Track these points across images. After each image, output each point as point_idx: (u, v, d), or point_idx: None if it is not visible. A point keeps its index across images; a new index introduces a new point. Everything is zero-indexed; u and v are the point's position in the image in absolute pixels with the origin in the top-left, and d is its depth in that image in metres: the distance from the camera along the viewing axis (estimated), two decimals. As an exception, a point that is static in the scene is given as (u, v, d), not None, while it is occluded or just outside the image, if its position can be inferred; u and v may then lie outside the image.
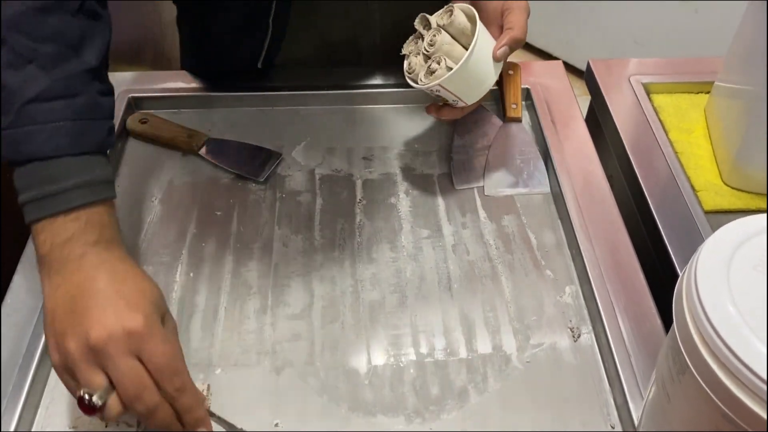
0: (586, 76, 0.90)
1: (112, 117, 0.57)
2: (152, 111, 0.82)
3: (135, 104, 0.83)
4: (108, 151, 0.57)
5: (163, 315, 0.52)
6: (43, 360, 0.59)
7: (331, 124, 0.83)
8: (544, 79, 0.87)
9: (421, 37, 0.69)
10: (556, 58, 2.25)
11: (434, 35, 0.67)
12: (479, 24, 0.66)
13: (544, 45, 2.26)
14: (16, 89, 0.51)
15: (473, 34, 0.66)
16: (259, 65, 0.84)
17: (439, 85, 0.66)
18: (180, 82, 0.85)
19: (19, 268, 0.66)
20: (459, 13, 0.67)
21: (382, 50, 0.88)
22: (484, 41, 0.67)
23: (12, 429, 0.55)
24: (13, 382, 0.57)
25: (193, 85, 0.85)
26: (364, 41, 0.87)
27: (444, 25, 0.67)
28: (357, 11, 0.84)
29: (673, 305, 0.44)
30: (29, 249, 0.67)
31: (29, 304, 0.62)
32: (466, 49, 0.66)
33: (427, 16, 0.69)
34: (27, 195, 0.51)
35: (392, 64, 0.89)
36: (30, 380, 0.57)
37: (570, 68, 2.22)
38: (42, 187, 0.51)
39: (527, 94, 0.85)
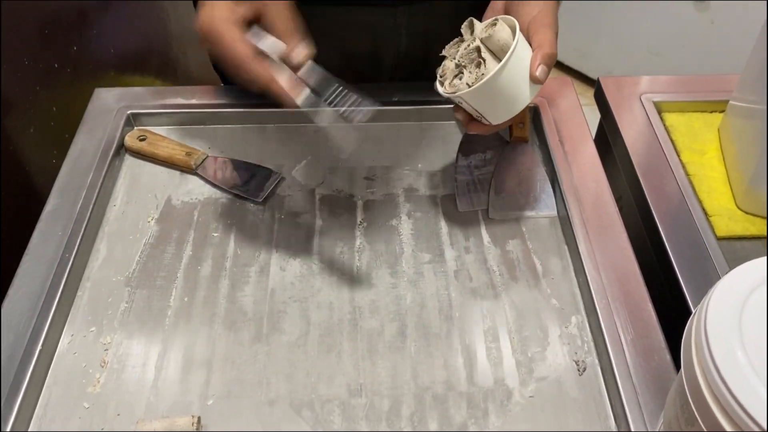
0: (595, 93, 0.88)
1: None
2: (151, 128, 0.81)
3: (133, 120, 0.81)
4: None
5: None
6: (41, 359, 0.59)
7: (333, 143, 0.81)
8: (552, 96, 0.84)
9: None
10: (569, 68, 2.25)
11: (469, 44, 0.63)
12: (516, 39, 0.59)
13: (558, 54, 2.22)
14: None
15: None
16: None
17: (459, 97, 0.61)
18: (179, 98, 0.84)
19: (20, 269, 0.65)
20: (501, 29, 0.61)
21: (406, 64, 0.86)
22: (520, 59, 0.60)
23: (8, 429, 0.54)
24: (10, 382, 0.57)
25: (193, 101, 0.83)
26: (388, 54, 0.85)
27: (483, 38, 0.62)
28: (383, 23, 0.81)
29: (682, 351, 0.41)
30: (30, 249, 0.67)
31: (29, 305, 0.62)
32: None
33: (475, 21, 0.64)
34: None
35: (412, 78, 0.87)
36: (27, 380, 0.57)
37: (584, 78, 2.22)
38: None
39: (535, 113, 0.83)
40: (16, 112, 0.93)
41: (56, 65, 1.02)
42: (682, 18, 1.83)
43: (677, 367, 0.57)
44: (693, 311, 0.60)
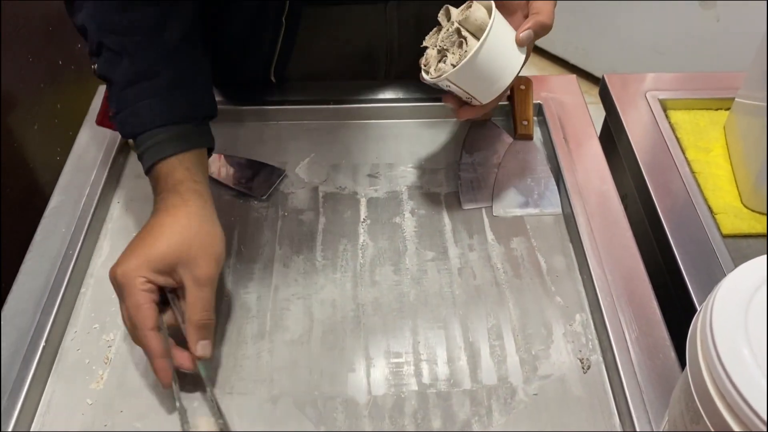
0: (600, 91, 0.88)
1: (205, 84, 0.66)
2: (155, 125, 0.81)
3: (137, 118, 0.81)
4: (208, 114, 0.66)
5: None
6: (45, 356, 0.59)
7: (337, 140, 0.81)
8: (557, 94, 0.84)
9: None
10: (573, 66, 2.24)
11: (447, 29, 0.63)
12: (494, 16, 0.60)
13: (562, 52, 2.22)
14: (115, 81, 0.62)
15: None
16: (272, 78, 0.82)
17: (447, 80, 0.61)
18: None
19: (24, 266, 0.66)
20: (476, 9, 0.61)
21: (400, 63, 0.86)
22: (500, 34, 0.61)
23: (10, 429, 0.55)
24: (14, 378, 0.57)
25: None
26: (381, 52, 0.85)
27: (460, 21, 0.62)
28: (374, 21, 0.81)
29: (687, 348, 0.41)
30: (33, 246, 0.67)
31: (33, 301, 0.62)
32: None
33: (450, 8, 0.65)
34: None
35: (407, 78, 0.87)
36: (31, 376, 0.57)
37: (588, 76, 2.22)
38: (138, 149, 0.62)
39: (539, 110, 0.82)
40: (20, 109, 0.93)
41: (60, 62, 1.02)
42: (687, 16, 1.82)
43: (682, 365, 0.57)
44: (698, 309, 0.60)
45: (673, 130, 0.80)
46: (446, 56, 0.62)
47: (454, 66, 0.60)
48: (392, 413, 0.57)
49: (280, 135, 0.82)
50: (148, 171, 0.62)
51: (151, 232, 0.57)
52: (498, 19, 0.61)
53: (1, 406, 0.55)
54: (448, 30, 0.63)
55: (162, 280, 0.56)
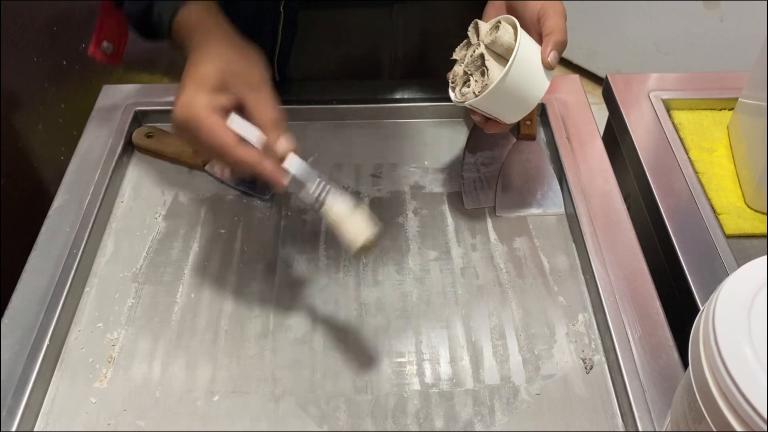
0: (603, 91, 0.88)
1: None
2: (159, 125, 0.81)
3: (141, 117, 0.82)
4: None
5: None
6: (48, 355, 0.59)
7: (340, 139, 0.81)
8: (560, 94, 0.84)
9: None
10: (576, 66, 2.24)
11: (474, 50, 0.63)
12: (518, 42, 0.59)
13: (565, 52, 2.21)
14: None
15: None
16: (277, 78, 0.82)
17: (471, 105, 0.62)
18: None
19: (28, 265, 0.66)
20: (504, 33, 0.61)
21: (404, 64, 0.86)
22: (525, 59, 0.60)
23: (14, 428, 0.55)
24: (18, 377, 0.57)
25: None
26: (385, 55, 0.85)
27: (488, 43, 0.62)
28: (379, 24, 0.81)
29: (689, 348, 0.41)
30: (38, 245, 0.67)
31: (37, 300, 0.63)
32: None
33: (480, 24, 0.64)
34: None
35: (409, 78, 0.87)
36: (35, 375, 0.57)
37: (591, 76, 2.22)
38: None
39: (542, 110, 0.82)
40: (24, 109, 0.93)
41: (65, 62, 1.02)
42: (691, 16, 1.82)
43: (685, 365, 0.57)
44: (701, 309, 0.60)
45: (677, 130, 0.80)
46: (470, 79, 0.63)
47: (476, 94, 0.61)
48: (395, 413, 0.57)
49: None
50: (169, 28, 0.62)
51: (194, 64, 0.57)
52: (524, 42, 0.60)
53: (5, 405, 0.56)
54: (474, 52, 0.63)
55: (222, 99, 0.55)
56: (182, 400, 0.58)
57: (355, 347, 0.61)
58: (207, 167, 0.76)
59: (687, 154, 0.77)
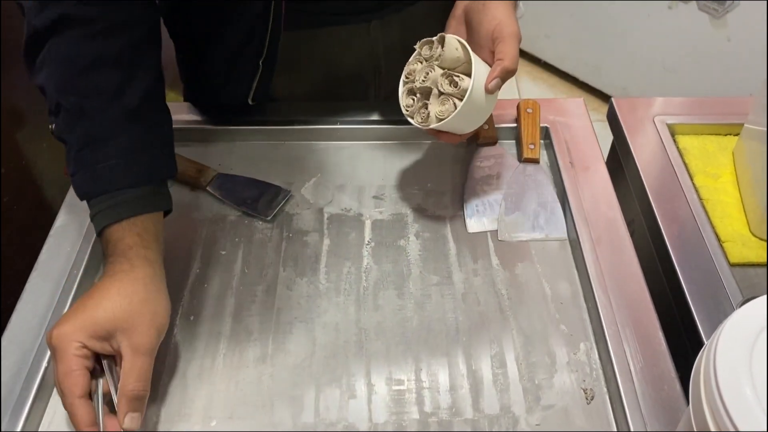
0: (608, 114, 0.87)
1: (165, 146, 0.64)
2: (162, 143, 0.81)
3: (145, 136, 0.81)
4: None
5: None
6: (46, 377, 0.59)
7: (343, 160, 0.81)
8: (564, 117, 0.84)
9: (420, 62, 0.68)
10: (582, 83, 2.24)
11: (427, 72, 0.66)
12: (475, 68, 0.64)
13: (571, 69, 2.22)
14: (72, 142, 0.60)
15: (468, 62, 0.64)
16: (250, 101, 0.81)
17: (433, 129, 0.66)
18: (191, 114, 0.84)
19: (28, 285, 0.66)
20: (449, 46, 0.65)
21: (389, 81, 0.86)
22: (480, 80, 0.64)
23: (19, 429, 0.55)
24: (15, 399, 0.57)
25: (204, 117, 0.84)
26: (368, 71, 0.85)
27: (437, 58, 0.66)
28: (358, 40, 0.81)
29: (690, 388, 0.40)
30: (38, 265, 0.68)
31: (36, 321, 0.63)
32: (467, 75, 0.64)
33: (433, 40, 0.67)
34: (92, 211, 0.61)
35: (393, 94, 0.87)
36: (32, 397, 0.57)
37: (596, 93, 2.22)
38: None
39: (546, 133, 0.82)
40: (29, 126, 0.94)
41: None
42: (697, 35, 1.82)
43: (687, 397, 0.56)
44: (703, 339, 0.59)
45: (681, 155, 0.79)
46: (427, 103, 0.66)
47: (439, 118, 0.65)
48: (393, 441, 0.56)
49: (288, 155, 0.82)
50: (100, 234, 0.60)
51: (93, 297, 0.56)
52: (477, 65, 0.64)
53: (2, 428, 0.55)
54: (426, 74, 0.66)
55: (99, 346, 0.55)
56: (179, 425, 0.58)
57: (355, 374, 0.61)
58: (209, 187, 0.76)
59: (691, 179, 0.76)
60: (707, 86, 1.87)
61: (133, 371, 0.54)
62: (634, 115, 0.84)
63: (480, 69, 0.65)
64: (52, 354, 0.55)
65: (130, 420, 0.54)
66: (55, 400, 0.59)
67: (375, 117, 0.83)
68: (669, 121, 0.82)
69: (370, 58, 0.83)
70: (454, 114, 0.64)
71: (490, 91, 0.65)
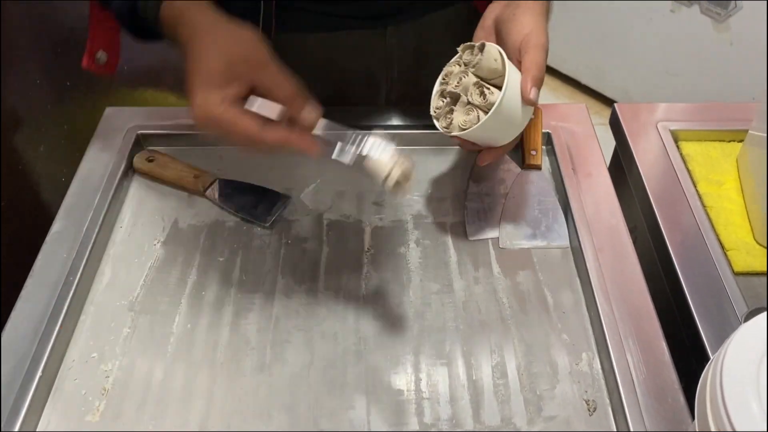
0: (611, 120, 0.86)
1: None
2: (160, 148, 0.80)
3: (143, 141, 0.81)
4: None
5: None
6: (41, 386, 0.58)
7: (343, 166, 0.80)
8: (566, 123, 0.83)
9: (459, 65, 0.65)
10: (585, 87, 2.23)
11: (461, 78, 0.63)
12: (507, 77, 0.59)
13: (574, 72, 2.21)
14: None
15: (503, 76, 0.60)
16: None
17: (456, 137, 0.63)
18: (189, 119, 0.83)
19: (23, 292, 0.65)
20: (488, 56, 0.61)
21: (400, 86, 0.86)
22: (513, 89, 0.60)
23: (17, 429, 0.54)
24: (10, 408, 0.56)
25: (203, 122, 0.83)
26: (381, 76, 0.85)
27: (474, 65, 0.62)
28: (374, 46, 0.81)
29: (696, 403, 0.40)
30: (34, 272, 0.67)
31: (31, 329, 0.62)
32: (498, 88, 0.61)
33: (474, 45, 0.64)
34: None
35: (409, 102, 0.87)
36: (27, 406, 0.57)
37: (599, 96, 2.21)
38: None
39: (548, 139, 0.81)
40: (27, 130, 0.93)
41: (68, 83, 1.02)
42: (700, 39, 1.81)
43: (691, 408, 0.55)
44: (708, 352, 0.58)
45: (685, 161, 0.79)
46: (455, 110, 0.63)
47: (461, 128, 0.62)
48: (392, 453, 0.56)
49: (288, 160, 0.81)
50: (157, 24, 0.60)
51: (196, 61, 0.56)
52: (512, 74, 0.60)
53: (3, 407, 0.55)
54: (459, 80, 0.63)
55: (234, 89, 0.55)
56: (175, 435, 0.57)
57: (353, 383, 0.60)
58: (207, 193, 0.76)
59: (695, 186, 0.76)
60: (709, 90, 1.86)
61: (274, 79, 0.55)
62: (637, 121, 0.83)
63: (513, 82, 0.60)
64: (208, 126, 0.55)
65: (309, 111, 0.56)
66: (49, 408, 0.58)
67: (377, 122, 0.83)
68: (672, 127, 0.82)
69: (383, 64, 0.82)
70: (475, 126, 0.61)
71: (530, 102, 0.61)
